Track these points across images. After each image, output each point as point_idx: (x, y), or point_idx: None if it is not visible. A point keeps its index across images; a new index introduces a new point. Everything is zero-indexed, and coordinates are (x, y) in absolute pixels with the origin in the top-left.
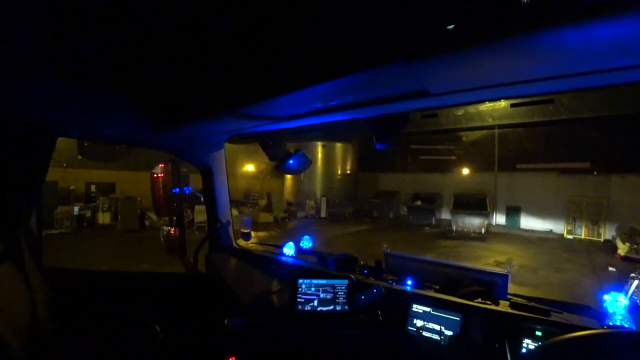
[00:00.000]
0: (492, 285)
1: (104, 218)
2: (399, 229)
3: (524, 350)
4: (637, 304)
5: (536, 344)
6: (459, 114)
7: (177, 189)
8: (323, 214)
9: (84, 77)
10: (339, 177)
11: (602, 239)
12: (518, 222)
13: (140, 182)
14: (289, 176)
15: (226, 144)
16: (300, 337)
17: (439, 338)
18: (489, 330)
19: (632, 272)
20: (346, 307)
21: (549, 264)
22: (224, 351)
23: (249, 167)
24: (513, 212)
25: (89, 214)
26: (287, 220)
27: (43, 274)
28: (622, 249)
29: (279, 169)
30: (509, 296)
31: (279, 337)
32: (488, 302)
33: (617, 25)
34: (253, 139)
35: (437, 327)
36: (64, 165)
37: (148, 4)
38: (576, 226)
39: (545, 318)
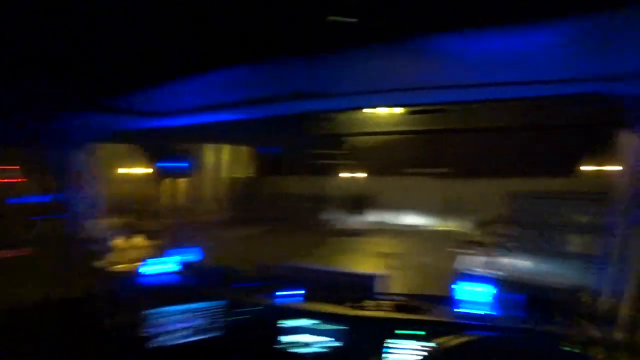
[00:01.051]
0: (362, 286)
1: None
2: (292, 229)
3: (405, 351)
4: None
5: (417, 344)
6: (355, 118)
7: (16, 199)
8: (214, 218)
9: None
10: (231, 180)
11: (460, 230)
12: (394, 219)
13: None
14: (180, 180)
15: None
16: None
17: (310, 350)
18: (368, 337)
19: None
20: (212, 333)
21: (416, 252)
22: None
23: (133, 170)
24: (387, 209)
25: None
26: (175, 226)
27: None
28: (468, 235)
29: (165, 171)
30: (380, 297)
31: None
32: (363, 306)
33: (510, 38)
34: (133, 139)
35: (309, 339)
36: None
37: None
38: (440, 220)
39: (420, 316)
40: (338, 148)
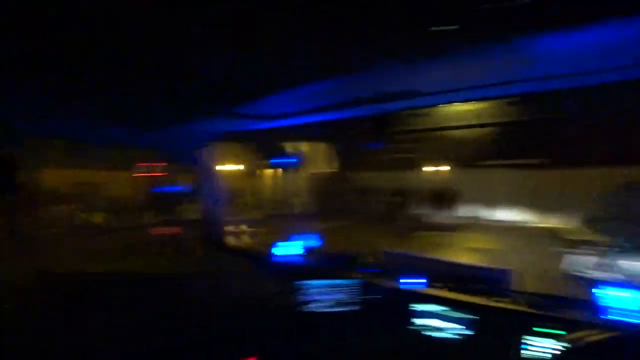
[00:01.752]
0: (494, 281)
1: (96, 217)
2: (377, 223)
3: (543, 349)
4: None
5: (556, 343)
6: (444, 112)
7: (164, 188)
8: (306, 210)
9: (58, 74)
10: (318, 175)
11: (561, 227)
12: (483, 214)
13: (122, 181)
14: (270, 175)
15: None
16: (308, 338)
17: (441, 335)
18: (503, 330)
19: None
20: (351, 307)
21: (515, 249)
22: (234, 353)
23: (232, 167)
24: (478, 205)
25: (79, 213)
26: (274, 216)
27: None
28: (571, 233)
29: (273, 166)
30: (512, 293)
31: (288, 338)
32: (495, 299)
33: (601, 31)
34: (246, 138)
35: (441, 325)
36: (51, 166)
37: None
38: (535, 216)
39: (552, 314)
40: (424, 142)
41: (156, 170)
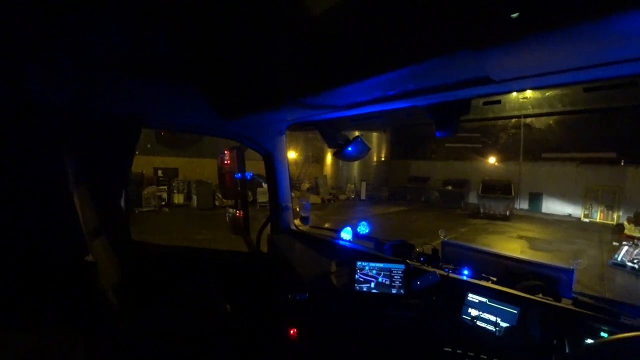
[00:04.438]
0: (554, 280)
1: (178, 198)
2: (433, 210)
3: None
4: None
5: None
6: (522, 99)
7: (240, 174)
8: (363, 197)
9: (162, 72)
10: (374, 163)
11: (615, 222)
12: (540, 207)
13: (200, 168)
14: (328, 163)
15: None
16: (358, 314)
17: (493, 329)
18: (548, 326)
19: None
20: (402, 291)
21: (563, 239)
22: (287, 323)
23: (291, 155)
24: (535, 197)
25: (164, 194)
26: (332, 201)
27: (130, 246)
28: (629, 229)
29: (338, 156)
30: (573, 294)
31: (338, 312)
32: (549, 298)
33: None
34: (312, 127)
35: (492, 318)
36: (136, 152)
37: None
38: (592, 211)
39: (611, 319)
40: (484, 132)
41: (233, 157)
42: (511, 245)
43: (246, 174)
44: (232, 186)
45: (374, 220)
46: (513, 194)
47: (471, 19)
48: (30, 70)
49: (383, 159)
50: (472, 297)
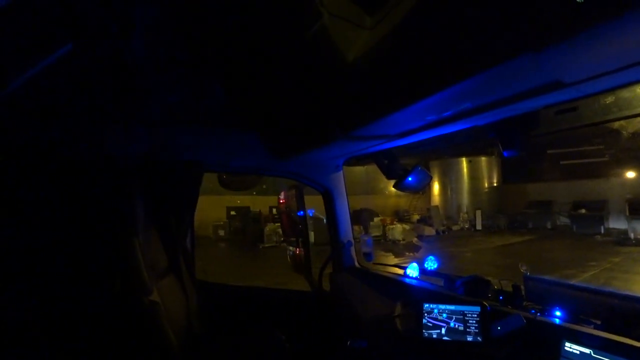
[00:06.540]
0: None
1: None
2: (564, 238)
3: None
4: None
5: None
6: (608, 101)
7: (302, 212)
8: (478, 226)
9: (218, 120)
10: (486, 190)
11: None
12: None
13: (265, 205)
14: (435, 193)
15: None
16: None
17: None
18: None
19: None
20: (479, 338)
21: None
22: None
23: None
24: None
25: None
26: (446, 232)
27: (196, 285)
28: None
29: (398, 187)
30: None
31: None
32: None
33: None
34: (369, 160)
35: None
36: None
37: (265, 52)
38: None
39: None
40: (606, 141)
41: (288, 197)
42: None
43: (308, 211)
44: (291, 225)
45: (500, 251)
46: None
47: (528, 15)
48: (109, 129)
49: (494, 184)
50: (571, 347)
